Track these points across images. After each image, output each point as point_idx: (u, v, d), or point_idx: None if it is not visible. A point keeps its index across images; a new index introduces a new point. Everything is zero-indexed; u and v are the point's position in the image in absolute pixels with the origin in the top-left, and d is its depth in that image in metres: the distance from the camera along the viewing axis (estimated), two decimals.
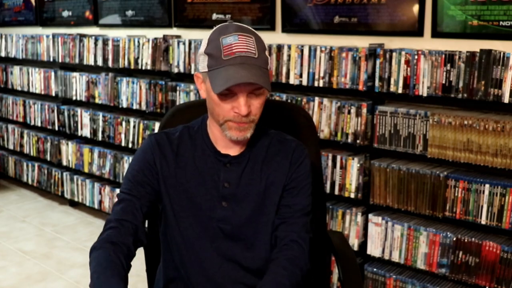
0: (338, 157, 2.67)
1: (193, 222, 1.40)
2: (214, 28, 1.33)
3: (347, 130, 2.63)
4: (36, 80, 4.40)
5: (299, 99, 2.78)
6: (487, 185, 2.27)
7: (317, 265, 1.72)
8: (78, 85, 4.01)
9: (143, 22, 3.71)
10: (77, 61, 3.99)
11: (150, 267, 1.65)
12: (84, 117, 3.98)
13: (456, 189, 2.34)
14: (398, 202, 2.51)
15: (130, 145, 3.66)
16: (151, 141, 1.42)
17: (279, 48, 2.85)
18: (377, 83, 2.53)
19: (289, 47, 2.81)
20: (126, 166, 3.69)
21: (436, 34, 2.47)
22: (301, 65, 2.78)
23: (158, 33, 3.56)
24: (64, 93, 4.13)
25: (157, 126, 3.35)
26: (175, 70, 3.37)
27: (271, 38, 3.03)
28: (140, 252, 1.65)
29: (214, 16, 3.29)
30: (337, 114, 2.66)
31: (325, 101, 2.70)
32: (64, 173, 4.22)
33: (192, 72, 3.24)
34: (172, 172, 1.40)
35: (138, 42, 3.54)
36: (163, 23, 3.58)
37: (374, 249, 2.61)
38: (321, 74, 2.71)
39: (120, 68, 3.69)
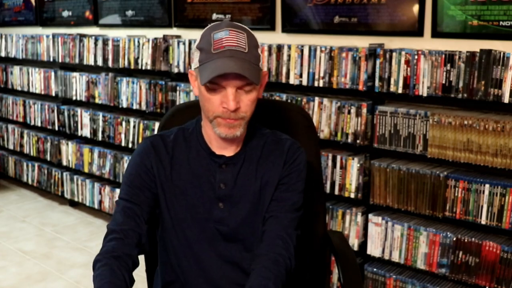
0: (338, 157, 2.67)
1: (190, 224, 1.39)
2: (208, 25, 1.34)
3: (347, 130, 2.63)
4: (36, 80, 4.40)
5: (299, 99, 2.78)
6: (487, 185, 2.27)
7: (317, 265, 1.72)
8: (78, 85, 4.01)
9: (143, 22, 3.71)
10: (77, 61, 3.99)
11: (150, 268, 1.65)
12: (84, 117, 3.98)
13: (456, 189, 2.34)
14: (398, 202, 2.51)
15: (130, 145, 3.66)
16: (147, 145, 1.41)
17: (279, 48, 2.85)
18: (377, 83, 2.53)
19: (289, 47, 2.81)
20: (126, 166, 3.69)
21: (436, 34, 2.47)
22: (301, 65, 2.77)
23: (158, 33, 3.56)
24: (64, 93, 4.13)
25: (157, 126, 3.35)
26: (175, 70, 3.37)
27: (271, 38, 3.03)
28: None
29: (214, 16, 3.29)
30: (337, 114, 2.66)
31: (325, 101, 2.70)
32: (64, 173, 4.22)
33: None
34: (168, 175, 1.40)
35: (138, 42, 3.54)
36: (163, 23, 3.58)
37: (374, 249, 2.61)
38: (321, 74, 2.71)
39: (120, 68, 3.69)
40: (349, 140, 2.63)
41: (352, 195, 2.65)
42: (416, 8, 2.52)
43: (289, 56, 2.82)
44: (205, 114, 1.35)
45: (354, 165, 2.62)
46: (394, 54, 2.46)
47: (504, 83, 2.18)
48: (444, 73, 2.33)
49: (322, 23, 2.84)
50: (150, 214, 1.39)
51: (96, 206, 3.98)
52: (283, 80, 2.85)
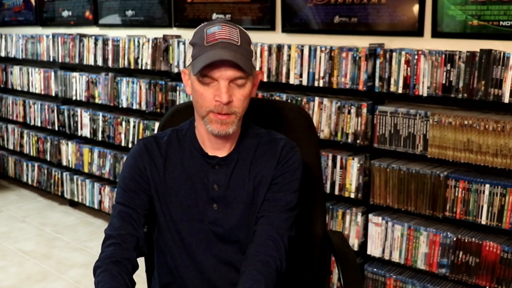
0: (338, 157, 2.66)
1: (185, 226, 1.39)
2: (202, 24, 1.35)
3: (347, 130, 2.63)
4: (36, 80, 4.39)
5: (299, 99, 2.78)
6: (487, 185, 2.27)
7: (317, 265, 1.72)
8: (78, 85, 4.01)
9: (143, 22, 3.71)
10: (77, 61, 3.99)
11: (150, 270, 1.65)
12: (84, 117, 3.98)
13: (456, 189, 2.34)
14: (398, 202, 2.51)
15: (130, 145, 3.66)
16: (140, 147, 1.41)
17: (279, 48, 2.84)
18: (377, 83, 2.53)
19: (289, 47, 2.81)
20: (122, 166, 3.69)
21: (436, 34, 2.47)
22: (301, 65, 2.77)
23: (158, 33, 3.56)
24: (64, 93, 4.13)
25: (157, 126, 3.34)
26: (175, 70, 3.37)
27: (271, 38, 3.03)
28: None
29: (214, 16, 3.29)
30: (337, 114, 2.66)
31: (325, 101, 2.69)
32: (64, 173, 4.22)
33: None
34: (162, 177, 1.39)
35: (138, 42, 3.54)
36: (163, 23, 3.58)
37: (374, 249, 2.61)
38: (321, 74, 2.71)
39: (120, 68, 3.69)
40: (349, 140, 2.63)
41: (352, 195, 2.65)
42: (416, 8, 2.51)
43: (289, 56, 2.82)
44: (198, 111, 1.34)
45: (354, 165, 2.62)
46: (394, 54, 2.46)
47: (504, 83, 2.18)
48: (444, 73, 2.33)
49: (322, 23, 2.84)
50: (146, 217, 1.40)
51: (96, 206, 3.98)
52: (283, 80, 2.85)
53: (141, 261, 1.66)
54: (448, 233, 2.37)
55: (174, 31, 3.55)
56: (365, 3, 2.67)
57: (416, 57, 2.39)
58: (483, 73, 2.22)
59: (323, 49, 2.69)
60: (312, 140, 1.71)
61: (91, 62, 3.88)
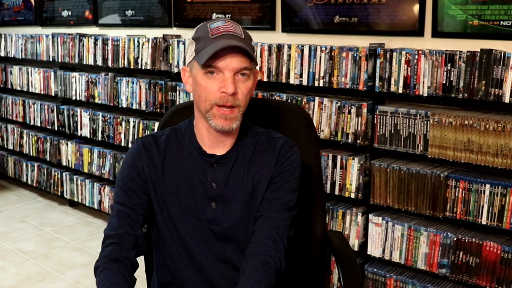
0: (338, 157, 2.66)
1: (183, 224, 1.39)
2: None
3: (347, 130, 2.63)
4: (35, 80, 4.39)
5: (299, 99, 2.78)
6: (487, 185, 2.26)
7: (317, 265, 1.71)
8: (77, 85, 4.00)
9: (142, 22, 3.70)
10: (76, 61, 3.99)
11: (149, 269, 1.64)
12: (84, 117, 3.98)
13: (457, 189, 2.34)
14: (399, 202, 2.50)
15: (129, 145, 3.66)
16: (138, 146, 1.41)
17: (279, 48, 2.84)
18: (377, 83, 2.52)
19: (289, 47, 2.80)
20: (121, 165, 3.68)
21: (436, 34, 2.46)
22: (301, 65, 2.77)
23: (158, 32, 3.55)
24: (64, 93, 4.13)
25: (156, 126, 3.34)
26: (175, 70, 3.36)
27: (271, 38, 3.02)
28: None
29: (214, 16, 3.29)
30: (337, 114, 2.66)
31: (325, 101, 2.69)
32: (64, 173, 4.21)
33: None
34: (160, 175, 1.39)
35: (138, 42, 3.54)
36: (163, 23, 3.58)
37: (374, 250, 2.61)
38: (321, 74, 2.70)
39: (120, 68, 3.69)
40: (349, 140, 2.62)
41: (353, 195, 2.64)
42: (416, 7, 2.51)
43: (289, 56, 2.81)
44: (201, 106, 1.34)
45: (354, 165, 2.62)
46: (394, 54, 2.45)
47: (505, 83, 2.17)
48: (445, 73, 2.33)
49: (322, 23, 2.83)
50: (145, 216, 1.39)
51: (95, 206, 3.98)
52: (283, 80, 2.84)
53: (140, 260, 1.66)
54: (449, 233, 2.37)
55: (174, 31, 3.55)
56: (365, 3, 2.66)
57: (416, 57, 2.39)
58: (484, 73, 2.21)
59: (323, 49, 2.68)
60: (312, 140, 1.71)
61: (91, 62, 3.87)
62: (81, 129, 4.03)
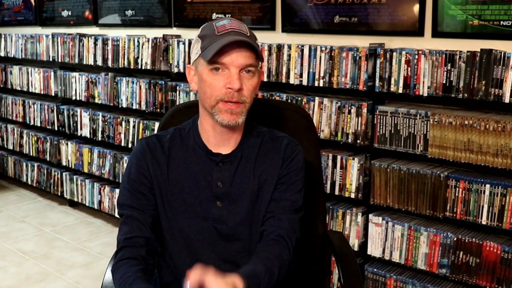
0: (338, 157, 2.66)
1: (189, 224, 1.39)
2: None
3: (347, 130, 2.63)
4: (35, 80, 4.39)
5: (299, 99, 2.78)
6: (487, 185, 2.26)
7: (317, 265, 1.71)
8: (77, 85, 4.00)
9: (142, 22, 3.70)
10: (76, 61, 3.99)
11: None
12: (84, 117, 3.98)
13: (457, 189, 2.34)
14: (399, 202, 2.50)
15: (129, 145, 3.66)
16: (142, 146, 1.41)
17: (279, 48, 2.84)
18: (377, 83, 2.52)
19: (289, 47, 2.80)
20: (125, 166, 3.68)
21: (436, 33, 2.46)
22: (301, 65, 2.77)
23: (158, 32, 3.55)
24: (64, 93, 4.13)
25: (156, 126, 3.34)
26: (175, 70, 3.36)
27: (271, 38, 3.02)
28: None
29: (214, 16, 3.29)
30: (337, 114, 2.66)
31: (325, 101, 2.69)
32: (64, 173, 4.21)
33: None
34: (165, 175, 1.39)
35: (138, 42, 3.54)
36: (162, 23, 3.58)
37: (374, 250, 2.61)
38: (321, 74, 2.70)
39: (120, 68, 3.69)
40: (350, 140, 2.62)
41: (353, 195, 2.64)
42: (416, 7, 2.51)
43: (289, 56, 2.81)
44: (206, 103, 1.35)
45: (354, 165, 2.62)
46: (394, 54, 2.45)
47: (505, 83, 2.17)
48: (445, 73, 2.33)
49: (322, 23, 2.83)
50: (153, 217, 1.40)
51: (95, 206, 3.98)
52: (283, 80, 2.84)
53: None
54: (449, 233, 2.37)
55: (174, 31, 3.55)
56: (365, 2, 2.66)
57: (416, 57, 2.39)
58: (484, 73, 2.21)
59: (323, 49, 2.68)
60: (312, 140, 1.71)
61: (91, 62, 3.87)
62: (81, 129, 4.02)
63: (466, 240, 2.32)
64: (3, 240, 3.64)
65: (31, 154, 4.53)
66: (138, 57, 3.56)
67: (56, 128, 4.25)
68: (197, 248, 1.39)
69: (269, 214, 1.38)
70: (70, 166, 4.17)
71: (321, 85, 2.71)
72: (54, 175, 4.31)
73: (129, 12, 3.77)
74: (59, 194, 4.29)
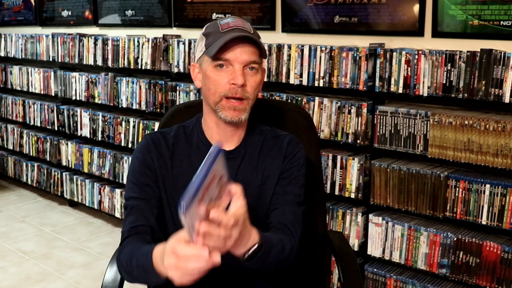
0: (338, 157, 2.66)
1: None
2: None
3: (347, 130, 2.63)
4: (35, 80, 4.39)
5: (299, 99, 2.78)
6: (487, 185, 2.26)
7: (317, 265, 1.71)
8: (77, 85, 4.00)
9: (142, 22, 3.70)
10: (76, 61, 3.99)
11: None
12: (84, 117, 3.98)
13: (457, 189, 2.34)
14: (399, 202, 2.50)
15: (129, 145, 3.66)
16: (147, 141, 1.43)
17: (279, 48, 2.84)
18: (377, 83, 2.52)
19: (289, 47, 2.80)
20: (126, 166, 3.69)
21: (436, 33, 2.46)
22: (301, 65, 2.77)
23: (158, 32, 3.55)
24: (64, 93, 4.13)
25: (156, 126, 3.34)
26: (175, 70, 3.36)
27: (271, 38, 3.02)
28: None
29: (214, 16, 3.29)
30: (337, 114, 2.66)
31: (325, 101, 2.69)
32: (64, 173, 4.21)
33: None
34: (169, 171, 1.40)
35: (138, 42, 3.54)
36: (162, 23, 3.58)
37: (374, 250, 2.61)
38: (321, 74, 2.70)
39: (120, 68, 3.69)
40: (350, 140, 2.62)
41: (353, 195, 2.64)
42: (416, 7, 2.51)
43: (289, 56, 2.81)
44: (210, 99, 1.36)
45: (354, 165, 2.62)
46: (394, 54, 2.45)
47: (505, 83, 2.17)
48: (445, 73, 2.33)
49: (322, 23, 2.83)
50: (159, 209, 1.40)
51: (95, 206, 3.98)
52: (283, 80, 2.84)
53: None
54: (449, 233, 2.37)
55: (174, 31, 3.55)
56: (365, 2, 2.66)
57: (416, 57, 2.39)
58: (484, 73, 2.21)
59: (323, 49, 2.68)
60: (312, 140, 1.71)
61: (91, 62, 3.87)
62: (81, 129, 4.02)
63: (466, 240, 2.32)
64: (3, 240, 3.64)
65: (31, 154, 4.53)
66: (138, 57, 3.56)
67: (56, 128, 4.25)
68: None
69: (273, 206, 1.40)
70: (70, 166, 4.17)
71: (321, 85, 2.71)
72: (54, 175, 4.31)
73: (129, 12, 3.77)
74: (59, 194, 4.29)
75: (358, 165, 2.61)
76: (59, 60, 4.14)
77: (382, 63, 2.49)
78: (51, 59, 4.22)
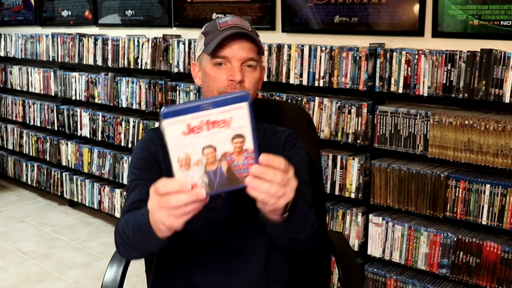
0: (339, 157, 2.66)
1: (194, 215, 1.38)
2: None
3: (347, 130, 2.63)
4: (35, 80, 4.39)
5: (299, 99, 2.78)
6: (487, 185, 2.26)
7: (317, 265, 1.71)
8: (77, 85, 4.00)
9: (142, 22, 3.70)
10: (76, 60, 3.99)
11: (149, 268, 1.64)
12: (84, 117, 3.98)
13: (457, 189, 2.34)
14: (399, 202, 2.50)
15: (129, 145, 3.66)
16: (151, 134, 1.43)
17: (279, 48, 2.84)
18: (377, 83, 2.52)
19: (289, 46, 2.80)
20: (125, 166, 3.69)
21: (436, 33, 2.46)
22: (301, 65, 2.77)
23: (158, 32, 3.55)
24: (64, 93, 4.13)
25: (156, 126, 3.34)
26: (175, 70, 3.36)
27: (271, 38, 3.02)
28: None
29: (214, 16, 3.29)
30: (337, 114, 2.66)
31: (326, 101, 2.69)
32: (64, 173, 4.21)
33: None
34: (171, 165, 1.39)
35: (138, 41, 3.53)
36: (162, 23, 3.58)
37: (374, 250, 2.61)
38: (322, 74, 2.70)
39: (120, 68, 3.69)
40: (350, 140, 2.62)
41: (353, 195, 2.64)
42: (416, 7, 2.51)
43: (289, 56, 2.81)
44: (209, 96, 1.37)
45: (354, 165, 2.62)
46: (394, 54, 2.45)
47: (505, 83, 2.17)
48: (445, 73, 2.33)
49: (322, 23, 2.83)
50: None
51: (95, 206, 3.98)
52: (283, 80, 2.84)
53: (141, 260, 1.66)
54: (449, 233, 2.37)
55: (174, 30, 3.55)
56: (366, 2, 2.66)
57: (416, 57, 2.39)
58: (484, 73, 2.21)
59: (323, 49, 2.68)
60: (312, 140, 1.71)
61: (91, 62, 3.87)
62: (81, 129, 4.02)
63: (466, 240, 2.32)
64: (3, 240, 3.64)
65: (31, 154, 4.53)
66: (138, 57, 3.56)
67: (56, 128, 4.25)
68: (200, 237, 1.39)
69: None
70: (70, 166, 4.17)
71: (321, 85, 2.71)
72: (54, 175, 4.31)
73: (129, 12, 3.77)
74: (59, 194, 4.29)
75: (358, 165, 2.61)
76: (59, 60, 4.14)
77: (382, 63, 2.49)
78: (51, 59, 4.22)
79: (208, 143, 0.91)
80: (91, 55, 3.86)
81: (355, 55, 2.58)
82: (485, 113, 2.34)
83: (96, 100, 3.86)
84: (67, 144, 4.16)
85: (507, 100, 2.18)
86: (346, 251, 1.63)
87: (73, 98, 4.05)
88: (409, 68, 2.42)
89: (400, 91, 2.46)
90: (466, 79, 2.26)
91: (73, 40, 3.98)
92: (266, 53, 2.89)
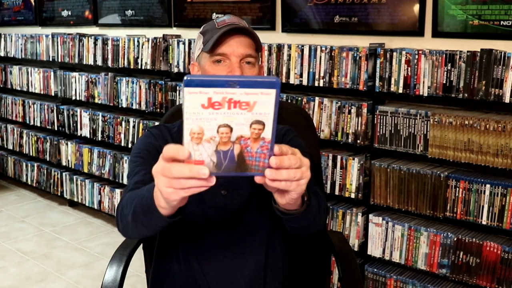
0: (339, 157, 2.66)
1: (193, 211, 1.39)
2: None
3: (347, 130, 2.63)
4: (35, 80, 4.39)
5: (299, 99, 2.78)
6: (487, 185, 2.26)
7: (317, 265, 1.71)
8: (77, 85, 4.00)
9: (142, 22, 3.70)
10: (76, 60, 3.99)
11: (149, 268, 1.64)
12: (84, 117, 3.98)
13: (457, 189, 2.34)
14: (399, 202, 2.50)
15: (129, 145, 3.66)
16: (153, 130, 1.44)
17: (279, 47, 2.84)
18: (377, 83, 2.52)
19: (289, 46, 2.80)
20: (125, 166, 3.69)
21: (436, 33, 2.46)
22: (301, 65, 2.77)
23: (158, 32, 3.55)
24: (64, 93, 4.13)
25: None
26: (175, 70, 3.36)
27: (271, 38, 3.02)
28: (139, 253, 1.65)
29: (214, 16, 3.29)
30: (337, 114, 2.66)
31: (326, 101, 2.69)
32: (64, 173, 4.21)
33: None
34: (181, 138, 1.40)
35: (138, 41, 3.53)
36: (162, 23, 3.58)
37: (374, 250, 2.61)
38: (322, 74, 2.70)
39: (120, 68, 3.69)
40: (350, 140, 2.62)
41: (353, 195, 2.64)
42: (416, 7, 2.51)
43: (289, 55, 2.81)
44: None
45: (354, 165, 2.62)
46: (394, 53, 2.45)
47: (505, 83, 2.17)
48: (445, 73, 2.33)
49: (322, 23, 2.83)
50: None
51: (95, 206, 3.98)
52: (283, 80, 2.84)
53: (141, 260, 1.66)
54: (449, 233, 2.37)
55: (174, 30, 3.55)
56: (366, 2, 2.66)
57: (416, 57, 2.39)
58: (484, 73, 2.21)
59: (323, 48, 2.68)
60: (312, 140, 1.71)
61: (91, 62, 3.87)
62: (81, 129, 4.02)
63: (466, 240, 2.32)
64: (3, 240, 3.64)
65: (31, 154, 4.53)
66: (138, 57, 3.56)
67: (56, 128, 4.25)
68: (201, 234, 1.39)
69: None
70: (70, 166, 4.17)
71: (321, 85, 2.71)
72: (54, 175, 4.31)
73: (129, 12, 3.77)
74: (59, 194, 4.29)
75: (358, 165, 2.61)
76: (59, 60, 4.14)
77: (382, 63, 2.49)
78: (51, 59, 4.22)
79: (226, 122, 0.87)
80: (91, 55, 3.86)
81: (355, 55, 2.58)
82: (485, 113, 2.34)
83: (96, 100, 3.86)
84: (67, 144, 4.16)
85: (507, 100, 2.18)
86: (346, 251, 1.63)
87: (73, 98, 4.05)
88: (409, 68, 2.42)
89: (400, 91, 2.46)
90: (466, 79, 2.26)
91: (73, 40, 3.98)
92: (266, 53, 2.89)
